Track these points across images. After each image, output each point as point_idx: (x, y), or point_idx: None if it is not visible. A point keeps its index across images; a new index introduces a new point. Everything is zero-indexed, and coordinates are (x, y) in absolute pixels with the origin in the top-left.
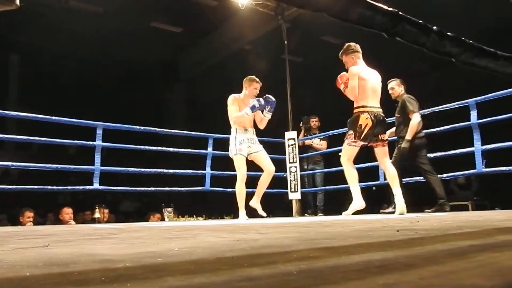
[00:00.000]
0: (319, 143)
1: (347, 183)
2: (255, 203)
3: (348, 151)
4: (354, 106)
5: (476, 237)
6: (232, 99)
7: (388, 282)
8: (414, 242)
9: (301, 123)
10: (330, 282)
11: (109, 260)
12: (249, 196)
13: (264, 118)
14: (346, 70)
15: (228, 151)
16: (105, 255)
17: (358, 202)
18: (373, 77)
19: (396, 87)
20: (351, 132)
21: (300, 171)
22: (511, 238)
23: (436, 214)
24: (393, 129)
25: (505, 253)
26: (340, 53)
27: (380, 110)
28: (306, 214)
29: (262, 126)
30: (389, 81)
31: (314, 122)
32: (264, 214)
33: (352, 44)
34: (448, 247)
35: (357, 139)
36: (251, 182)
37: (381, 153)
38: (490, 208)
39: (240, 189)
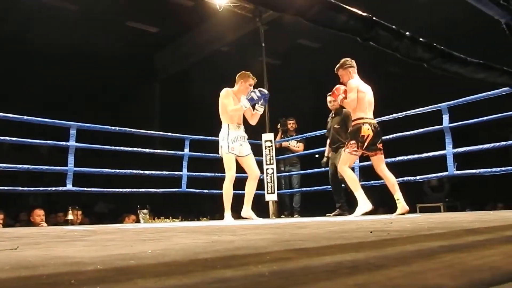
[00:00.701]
0: (296, 145)
1: (322, 185)
2: (248, 211)
3: (349, 159)
4: (353, 118)
5: (445, 238)
6: (226, 92)
7: (357, 283)
8: (386, 243)
9: (278, 125)
10: (301, 283)
11: (80, 262)
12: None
13: (256, 113)
14: (340, 83)
15: (215, 151)
16: (75, 258)
17: (365, 204)
18: (369, 91)
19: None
20: (353, 142)
21: (277, 173)
22: (478, 239)
23: (409, 216)
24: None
25: (471, 254)
26: (336, 67)
27: (375, 121)
28: (282, 216)
29: (254, 121)
30: (330, 93)
31: (291, 124)
32: (260, 219)
33: (349, 59)
34: (418, 248)
35: (359, 149)
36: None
37: (379, 160)
38: (461, 210)
39: (228, 190)
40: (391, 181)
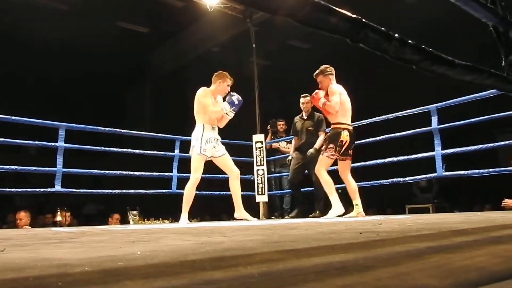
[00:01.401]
0: (286, 146)
1: (312, 187)
2: (242, 213)
3: (326, 162)
4: (333, 122)
5: (433, 239)
6: (204, 92)
7: (346, 284)
8: (375, 244)
9: (268, 126)
10: (290, 284)
11: (67, 264)
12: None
13: (226, 117)
14: (319, 89)
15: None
16: (63, 260)
17: (337, 208)
18: (348, 97)
19: (310, 102)
20: (331, 146)
21: (267, 174)
22: (465, 239)
23: (398, 216)
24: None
25: (458, 254)
26: (316, 73)
27: (351, 127)
28: (273, 217)
29: (222, 124)
30: (304, 95)
31: (281, 125)
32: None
33: (329, 66)
34: (406, 249)
35: (336, 153)
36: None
37: (346, 166)
38: (449, 210)
39: (190, 192)
40: (353, 187)
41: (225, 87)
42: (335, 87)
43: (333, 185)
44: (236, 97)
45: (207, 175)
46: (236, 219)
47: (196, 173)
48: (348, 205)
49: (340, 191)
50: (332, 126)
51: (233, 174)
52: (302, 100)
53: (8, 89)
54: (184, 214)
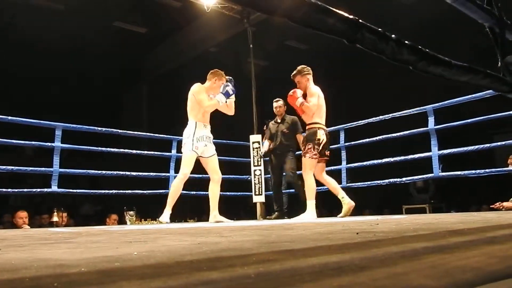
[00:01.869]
0: None
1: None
2: (217, 216)
3: (310, 163)
4: (309, 122)
5: (429, 239)
6: (199, 88)
7: (342, 284)
8: (371, 244)
9: (264, 126)
10: (286, 285)
11: (63, 265)
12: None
13: (231, 102)
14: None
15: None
16: (59, 260)
17: (311, 214)
18: (323, 99)
19: (283, 106)
20: (310, 145)
21: (265, 174)
22: (461, 240)
23: (395, 217)
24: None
25: (454, 255)
26: (294, 73)
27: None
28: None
29: (232, 111)
30: (276, 99)
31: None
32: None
33: (306, 66)
34: (403, 249)
35: (316, 152)
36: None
37: (322, 168)
38: (446, 211)
39: (178, 188)
40: (333, 184)
41: (219, 85)
42: (314, 89)
43: (315, 191)
44: (230, 87)
45: (206, 175)
46: (212, 222)
47: (185, 169)
48: (332, 208)
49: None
50: (307, 127)
51: (217, 178)
52: (275, 104)
53: (4, 88)
54: (168, 210)
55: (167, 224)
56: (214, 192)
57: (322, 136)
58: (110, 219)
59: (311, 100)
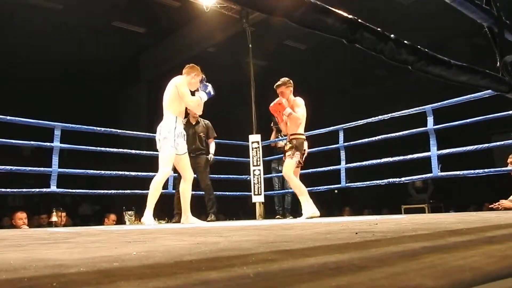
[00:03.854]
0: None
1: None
2: (189, 218)
3: (293, 166)
4: (294, 132)
5: (428, 239)
6: (184, 81)
7: (340, 284)
8: (370, 244)
9: (272, 123)
10: (285, 285)
11: (62, 265)
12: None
13: (201, 104)
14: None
15: None
16: (58, 260)
17: (309, 208)
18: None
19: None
20: (298, 153)
21: (270, 173)
22: (460, 239)
23: (394, 217)
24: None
25: (453, 254)
26: (278, 84)
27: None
28: (277, 217)
29: (201, 110)
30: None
31: None
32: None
33: (289, 79)
34: (402, 249)
35: (301, 161)
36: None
37: (297, 173)
38: (444, 211)
39: (159, 187)
40: (302, 189)
41: (197, 81)
42: (299, 100)
43: (303, 187)
44: (211, 87)
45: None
46: (184, 223)
47: (167, 167)
48: (332, 208)
49: (336, 191)
50: (293, 136)
51: (189, 177)
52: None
53: (2, 89)
54: (149, 211)
55: (167, 224)
56: (187, 193)
57: (306, 147)
58: (109, 219)
59: (299, 111)
